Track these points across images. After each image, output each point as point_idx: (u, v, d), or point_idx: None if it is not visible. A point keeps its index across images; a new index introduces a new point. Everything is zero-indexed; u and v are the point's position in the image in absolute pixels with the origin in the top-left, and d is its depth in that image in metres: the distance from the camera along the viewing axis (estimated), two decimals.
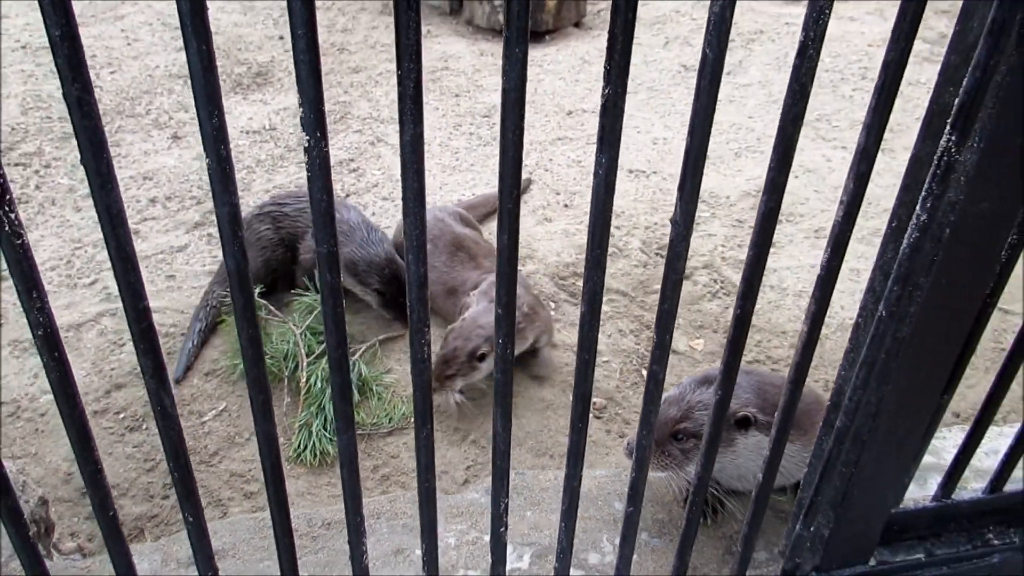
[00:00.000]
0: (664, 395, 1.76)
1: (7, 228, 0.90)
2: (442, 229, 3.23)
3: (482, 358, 2.72)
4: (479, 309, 2.83)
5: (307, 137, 0.88)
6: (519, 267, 3.21)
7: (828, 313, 3.22)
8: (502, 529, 1.27)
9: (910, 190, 1.14)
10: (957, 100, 1.01)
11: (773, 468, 1.36)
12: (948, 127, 1.03)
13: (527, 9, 0.82)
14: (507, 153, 0.92)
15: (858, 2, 5.94)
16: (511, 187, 0.94)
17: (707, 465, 1.33)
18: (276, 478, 1.12)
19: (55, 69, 0.83)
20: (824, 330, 3.19)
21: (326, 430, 2.67)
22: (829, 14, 0.88)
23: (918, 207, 1.07)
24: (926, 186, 1.05)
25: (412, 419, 2.81)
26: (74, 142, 3.28)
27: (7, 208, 0.89)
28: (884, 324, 1.16)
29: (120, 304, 3.06)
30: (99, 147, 0.86)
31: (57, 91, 4.86)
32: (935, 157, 1.06)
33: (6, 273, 3.44)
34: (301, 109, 0.86)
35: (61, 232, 3.75)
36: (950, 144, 1.04)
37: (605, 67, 0.87)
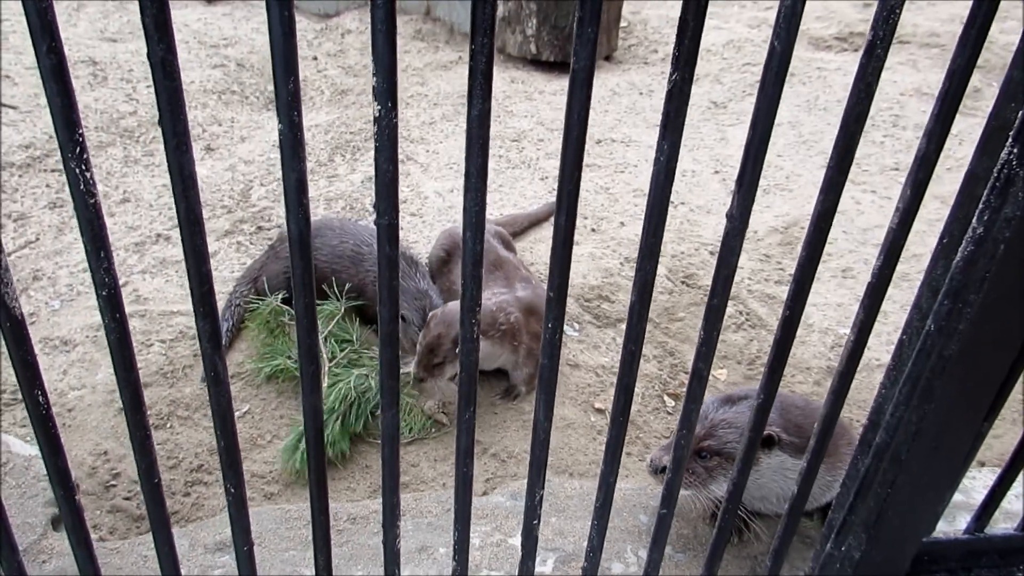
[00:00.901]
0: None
1: (82, 187, 0.92)
2: (490, 247, 3.25)
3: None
4: (455, 304, 2.87)
5: (378, 107, 0.91)
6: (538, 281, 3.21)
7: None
8: (535, 522, 1.26)
9: (964, 206, 1.15)
10: (1022, 112, 1.01)
11: (810, 480, 1.35)
12: (1010, 139, 1.03)
13: (593, 53, 0.84)
14: (571, 133, 0.93)
15: (890, 53, 5.98)
16: (572, 168, 0.96)
17: (740, 481, 1.32)
18: (318, 452, 1.12)
19: (142, 29, 0.86)
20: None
21: (344, 429, 2.67)
22: (900, 13, 0.90)
23: (974, 220, 1.07)
24: (983, 199, 1.05)
25: (431, 430, 2.81)
26: (109, 151, 3.35)
27: (83, 167, 0.92)
28: (932, 339, 1.16)
29: (148, 307, 3.09)
30: (178, 108, 0.88)
31: (94, 101, 4.98)
32: (995, 171, 1.07)
33: (39, 273, 3.48)
34: (375, 78, 0.89)
35: None
36: (1011, 157, 1.04)
37: (674, 53, 0.89)
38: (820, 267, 3.75)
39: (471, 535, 1.70)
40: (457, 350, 2.66)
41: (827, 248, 3.78)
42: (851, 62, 5.88)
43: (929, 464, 1.39)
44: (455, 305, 2.81)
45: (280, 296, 3.20)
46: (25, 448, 1.96)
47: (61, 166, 3.62)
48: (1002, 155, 1.03)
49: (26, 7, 0.83)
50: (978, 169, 1.14)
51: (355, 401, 2.74)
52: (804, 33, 6.35)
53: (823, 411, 1.26)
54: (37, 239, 3.73)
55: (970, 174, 1.16)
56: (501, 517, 1.71)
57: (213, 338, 1.01)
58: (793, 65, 5.61)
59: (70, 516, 1.11)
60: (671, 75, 0.92)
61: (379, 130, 0.92)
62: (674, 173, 0.98)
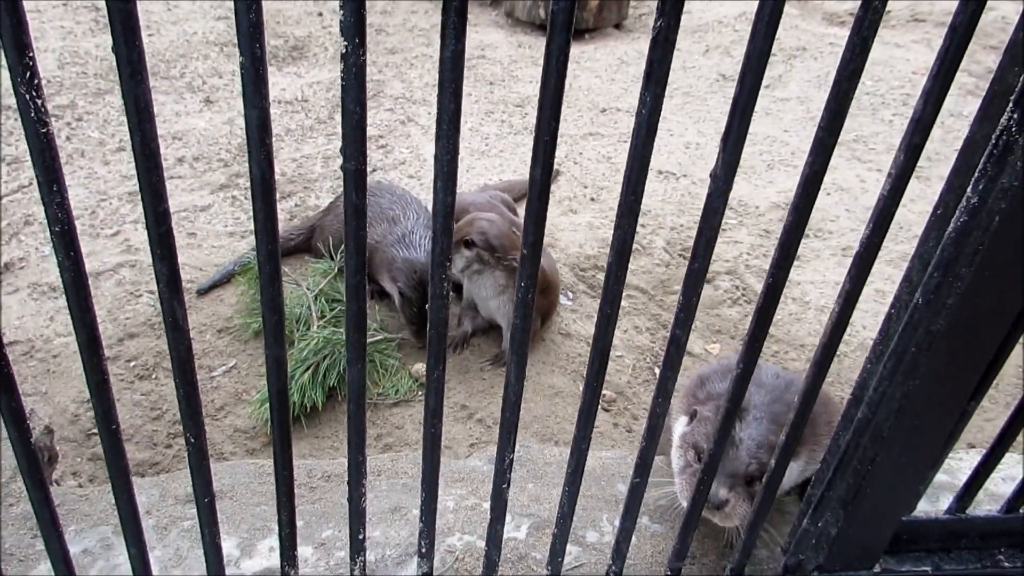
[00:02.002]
0: (709, 423, 1.64)
1: (33, 114, 0.88)
2: (500, 212, 3.22)
3: (468, 245, 2.77)
4: (489, 214, 2.89)
5: (345, 43, 0.86)
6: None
7: (848, 332, 3.18)
8: (504, 486, 1.24)
9: (960, 174, 1.10)
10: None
11: (787, 454, 1.32)
12: (1011, 104, 0.98)
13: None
14: (549, 79, 0.89)
15: (905, 31, 5.87)
16: (549, 118, 0.91)
17: (717, 452, 1.29)
18: (281, 404, 1.09)
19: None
20: (843, 347, 3.13)
21: (314, 382, 2.65)
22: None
23: (969, 189, 1.02)
24: (980, 167, 1.01)
25: (419, 392, 2.79)
26: (107, 98, 3.30)
27: (34, 93, 0.87)
28: (919, 313, 1.12)
29: (139, 257, 3.06)
30: (132, 33, 0.84)
31: (95, 48, 4.91)
32: (993, 137, 1.02)
33: (31, 218, 3.45)
34: (342, 11, 0.84)
35: (88, 183, 3.76)
36: (1011, 123, 0.99)
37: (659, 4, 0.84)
38: (820, 245, 3.69)
39: (446, 498, 1.68)
40: (458, 247, 2.73)
41: (829, 226, 3.75)
42: None
43: (911, 442, 1.36)
44: (485, 214, 2.85)
45: None
46: None
47: (59, 111, 3.57)
48: (1002, 120, 0.98)
49: None
50: (977, 136, 1.09)
51: (330, 354, 2.71)
52: (818, 8, 6.23)
53: (804, 384, 1.22)
54: (30, 183, 3.69)
55: (968, 141, 1.11)
56: (477, 481, 1.68)
57: (171, 282, 0.98)
58: (805, 40, 5.50)
59: (24, 459, 1.09)
60: (656, 21, 0.87)
61: (346, 68, 0.87)
62: (656, 128, 0.93)
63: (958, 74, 5.22)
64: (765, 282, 1.08)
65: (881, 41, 5.73)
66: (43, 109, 0.88)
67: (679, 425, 1.72)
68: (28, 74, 0.86)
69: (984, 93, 1.04)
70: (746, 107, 0.93)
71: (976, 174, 1.04)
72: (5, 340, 2.92)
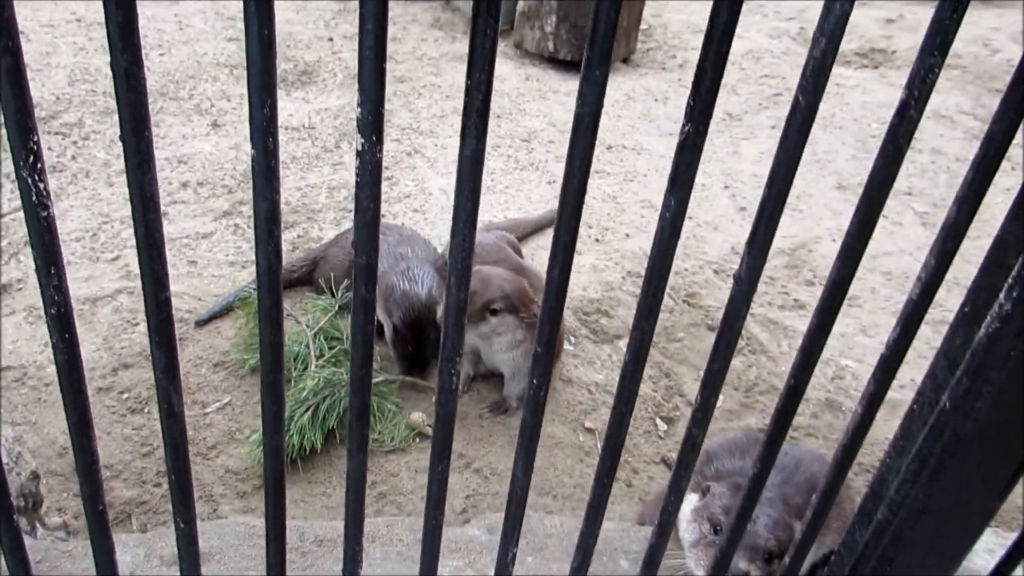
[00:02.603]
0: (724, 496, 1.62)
1: (34, 198, 0.84)
2: (507, 254, 3.16)
3: (494, 312, 2.66)
4: (496, 269, 2.79)
5: (362, 140, 0.83)
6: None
7: (855, 386, 3.14)
8: None
9: (989, 274, 1.06)
10: None
11: (803, 551, 1.27)
12: None
13: (612, 30, 0.76)
14: (571, 180, 0.85)
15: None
16: (569, 219, 0.88)
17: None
18: (277, 494, 1.05)
19: (106, 36, 0.78)
20: (850, 403, 3.09)
21: (313, 423, 2.60)
22: (938, 73, 0.81)
23: (1002, 295, 0.98)
24: (1014, 274, 0.97)
25: (415, 439, 2.74)
26: (115, 118, 3.25)
27: (36, 177, 0.84)
28: (946, 417, 1.08)
29: (139, 283, 3.03)
30: (141, 123, 0.81)
31: (105, 66, 4.89)
32: None
33: (27, 240, 3.42)
34: (359, 109, 0.81)
35: (91, 205, 3.73)
36: None
37: (689, 102, 0.81)
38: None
39: (442, 568, 1.63)
40: (483, 313, 2.64)
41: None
42: (870, 79, 5.77)
43: (933, 544, 1.31)
44: (492, 271, 2.75)
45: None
46: None
47: (66, 129, 3.54)
48: None
49: None
50: (1008, 236, 1.05)
51: (330, 395, 2.66)
52: None
53: (824, 482, 1.18)
54: None
55: (999, 240, 1.07)
56: (475, 552, 1.63)
57: (168, 369, 0.94)
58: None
59: (9, 539, 1.04)
60: (683, 126, 0.83)
61: (361, 165, 0.83)
62: (680, 231, 0.90)
63: (963, 118, 5.21)
64: (787, 383, 1.04)
65: (887, 82, 5.74)
66: (45, 193, 0.85)
67: (689, 501, 1.68)
68: (32, 159, 0.82)
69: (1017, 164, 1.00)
70: (773, 211, 0.89)
71: (1010, 280, 1.01)
72: None
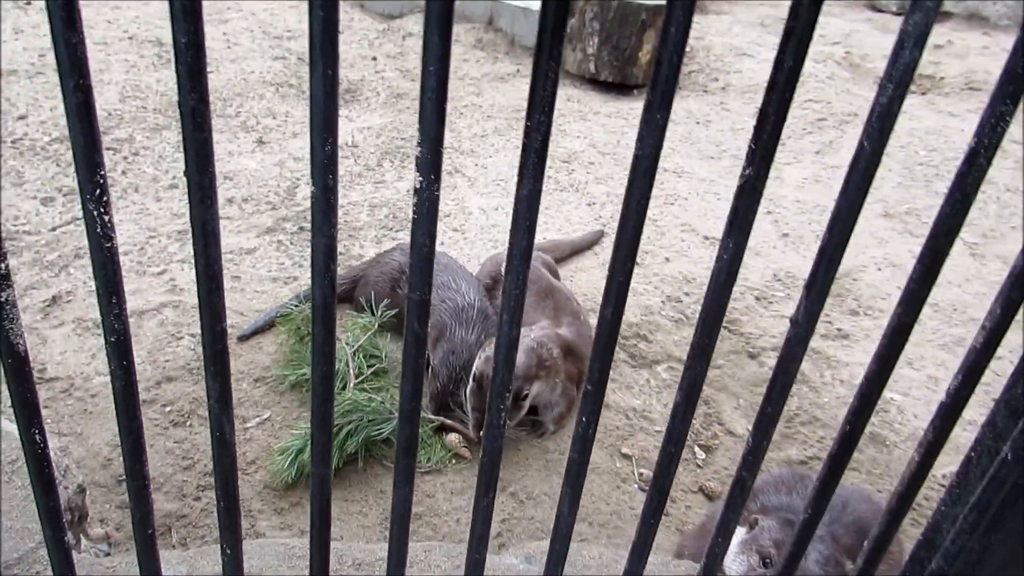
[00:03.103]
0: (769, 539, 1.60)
1: (99, 230, 0.86)
2: (540, 275, 3.16)
3: (525, 397, 2.64)
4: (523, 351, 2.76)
5: (420, 178, 0.83)
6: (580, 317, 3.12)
7: (899, 421, 3.07)
8: None
9: None
10: None
11: None
12: None
13: (676, 74, 0.76)
14: (628, 222, 0.85)
15: (959, 99, 5.78)
16: (625, 260, 0.87)
17: None
18: (323, 524, 1.05)
19: (175, 77, 0.80)
20: (893, 437, 3.02)
21: (347, 444, 2.62)
22: (1009, 122, 0.79)
23: None
24: None
25: (451, 460, 2.73)
26: (164, 134, 3.34)
27: (102, 209, 0.86)
28: (1007, 468, 1.04)
29: (184, 298, 3.06)
30: (205, 161, 0.82)
31: (156, 83, 5.02)
32: None
33: (81, 251, 3.49)
34: (419, 148, 0.81)
35: (139, 219, 3.81)
36: None
37: (750, 146, 0.80)
38: (870, 324, 3.57)
39: None
40: (518, 404, 2.62)
41: (879, 304, 3.65)
42: (917, 106, 5.68)
43: None
44: (529, 345, 2.72)
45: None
46: None
47: (117, 144, 3.63)
48: None
49: (55, 39, 0.77)
50: None
51: (359, 418, 2.67)
52: (871, 72, 6.16)
53: (876, 530, 1.15)
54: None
55: None
56: None
57: (222, 398, 0.95)
58: (857, 105, 5.44)
59: (58, 560, 1.06)
60: (744, 169, 0.83)
61: (419, 202, 0.84)
62: (736, 275, 0.89)
63: (1014, 147, 5.09)
64: (842, 428, 1.02)
65: (935, 109, 5.64)
66: (109, 224, 0.87)
67: (735, 533, 1.65)
68: (98, 191, 0.84)
69: None
70: (833, 256, 0.88)
71: None
72: (48, 376, 2.95)
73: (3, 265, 0.86)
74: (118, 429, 0.97)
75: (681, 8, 0.69)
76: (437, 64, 0.77)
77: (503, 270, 2.73)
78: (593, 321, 3.45)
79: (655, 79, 0.75)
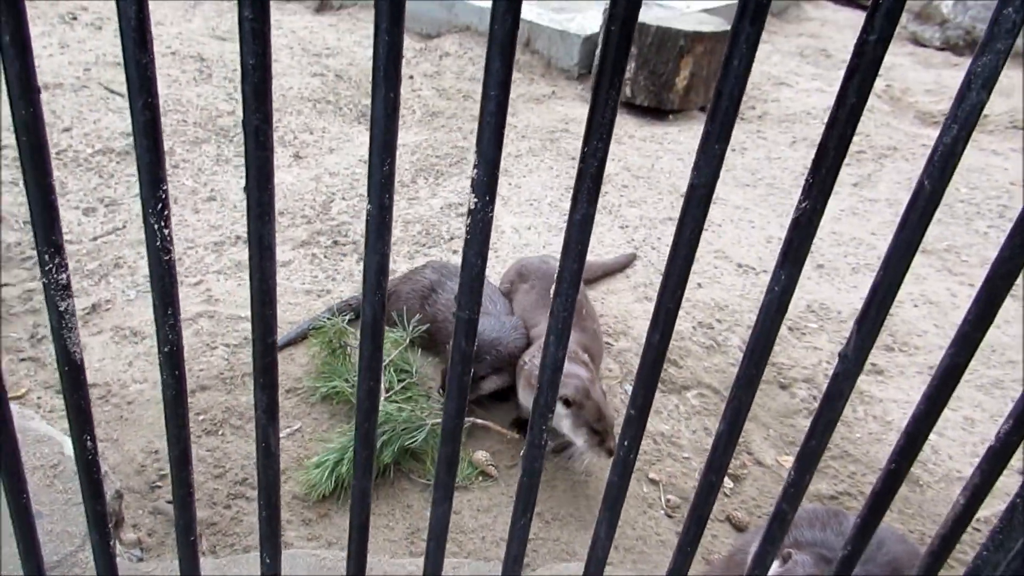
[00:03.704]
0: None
1: (158, 243, 0.88)
2: (551, 283, 3.20)
3: (568, 404, 2.63)
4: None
5: (475, 199, 0.84)
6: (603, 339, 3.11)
7: (933, 461, 3.02)
8: None
9: None
10: None
11: None
12: None
13: (736, 106, 0.76)
14: (679, 250, 0.85)
15: (1004, 137, 5.71)
16: (675, 288, 0.87)
17: None
18: (361, 537, 1.05)
19: (240, 96, 0.82)
20: (927, 477, 2.97)
21: (383, 455, 2.62)
22: None
23: None
24: None
25: (478, 478, 2.73)
26: (204, 147, 3.39)
27: (163, 223, 0.88)
28: None
29: (219, 308, 3.09)
30: (266, 178, 0.84)
31: (196, 98, 5.12)
32: None
33: (121, 261, 3.55)
34: (476, 171, 0.82)
35: (178, 231, 3.87)
36: None
37: (807, 180, 0.80)
38: (905, 360, 3.52)
39: None
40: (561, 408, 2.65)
41: (915, 340, 3.60)
42: None
43: None
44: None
45: (347, 318, 3.20)
46: None
47: None
48: None
49: (126, 59, 0.79)
50: None
51: (391, 430, 2.68)
52: (911, 106, 6.12)
53: (918, 572, 1.13)
54: (124, 227, 3.82)
55: None
56: None
57: (269, 409, 0.96)
58: (897, 139, 5.40)
59: (104, 564, 1.07)
60: (800, 202, 0.83)
61: (472, 223, 0.85)
62: (787, 307, 0.88)
63: None
64: (887, 467, 1.01)
65: (977, 147, 5.58)
66: (169, 238, 0.89)
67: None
68: (160, 206, 0.86)
69: None
70: (886, 296, 0.87)
71: None
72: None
73: (64, 276, 0.89)
74: (167, 437, 0.99)
75: (745, 41, 0.70)
76: (498, 89, 0.78)
77: (524, 272, 2.71)
78: (622, 343, 3.44)
79: (714, 110, 0.76)
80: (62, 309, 0.90)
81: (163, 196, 0.86)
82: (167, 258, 0.89)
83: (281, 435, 2.85)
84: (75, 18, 5.90)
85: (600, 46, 0.72)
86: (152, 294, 0.91)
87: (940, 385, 0.90)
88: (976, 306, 0.86)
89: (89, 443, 0.99)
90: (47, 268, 0.85)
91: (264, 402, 0.96)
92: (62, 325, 0.90)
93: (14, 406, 2.30)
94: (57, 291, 0.87)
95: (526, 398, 2.88)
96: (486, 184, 0.83)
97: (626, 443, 1.00)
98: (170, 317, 0.92)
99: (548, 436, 1.00)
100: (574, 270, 0.88)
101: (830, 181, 0.79)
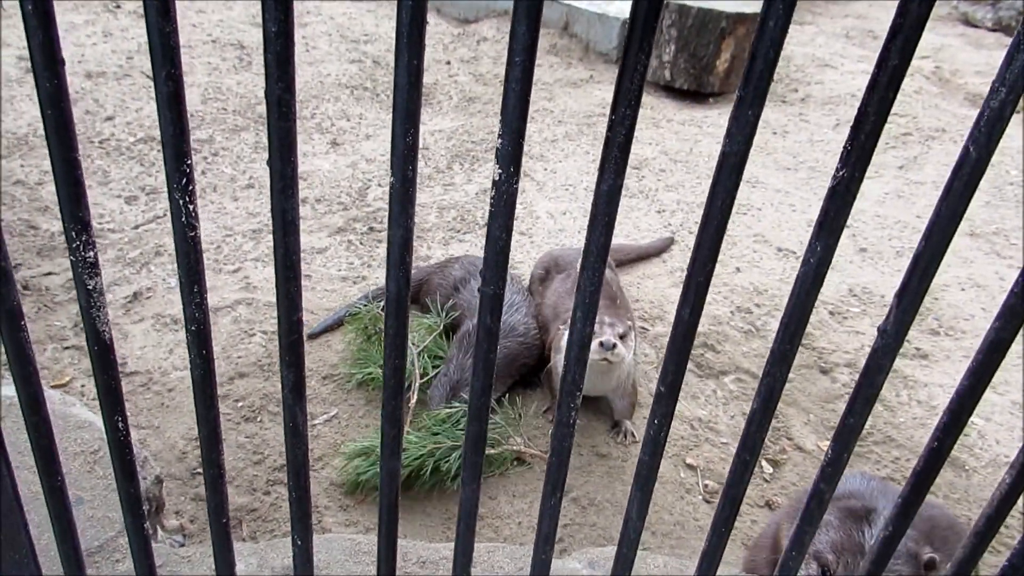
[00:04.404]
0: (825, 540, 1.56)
1: (183, 219, 0.88)
2: (608, 279, 3.19)
3: (623, 337, 2.70)
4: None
5: (499, 170, 0.82)
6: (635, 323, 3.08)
7: (980, 446, 2.93)
8: None
9: None
10: None
11: None
12: None
13: (771, 70, 0.73)
14: (711, 221, 0.82)
15: None
16: (705, 260, 0.85)
17: None
18: (391, 518, 1.05)
19: (263, 64, 0.81)
20: (973, 462, 2.89)
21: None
22: None
23: None
24: None
25: (513, 463, 2.72)
26: (243, 135, 3.41)
27: (188, 198, 0.88)
28: None
29: (257, 296, 3.12)
30: (288, 149, 0.83)
31: (236, 86, 5.17)
32: None
33: (161, 249, 3.61)
34: (500, 140, 0.81)
35: (216, 218, 3.92)
36: None
37: (845, 147, 0.77)
38: (951, 344, 3.42)
39: None
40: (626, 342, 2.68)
41: (962, 324, 3.50)
42: (1012, 123, 5.42)
43: None
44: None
45: (382, 304, 3.21)
46: None
47: (198, 145, 3.73)
48: None
49: (149, 27, 0.79)
50: None
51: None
52: (961, 88, 5.93)
53: (961, 553, 1.09)
54: (165, 215, 3.88)
55: None
56: None
57: (296, 388, 0.96)
58: (945, 121, 5.24)
59: (138, 545, 1.08)
60: (838, 170, 0.79)
61: (496, 195, 0.83)
62: (823, 280, 0.85)
63: None
64: (929, 444, 0.97)
65: None
66: (194, 214, 0.89)
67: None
68: (184, 180, 0.86)
69: None
70: (929, 265, 0.83)
71: None
72: (128, 370, 3.06)
73: (92, 253, 0.89)
74: (196, 418, 0.99)
75: (781, 2, 0.66)
76: (523, 55, 0.76)
77: (561, 263, 2.69)
78: (658, 328, 3.40)
79: (748, 74, 0.73)
80: (91, 287, 0.90)
81: (187, 171, 0.85)
82: (192, 234, 0.89)
83: (318, 421, 2.87)
84: (118, 6, 6.00)
85: (631, 8, 0.70)
86: (178, 271, 0.91)
87: (985, 360, 0.86)
88: None
89: (120, 424, 1.00)
90: (74, 245, 0.86)
91: (291, 380, 0.95)
92: (91, 304, 0.91)
93: (56, 393, 2.35)
94: (85, 269, 0.88)
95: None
96: (511, 154, 0.82)
97: (656, 421, 0.97)
98: (196, 295, 0.92)
99: (575, 415, 0.99)
100: (601, 243, 0.85)
101: (869, 147, 0.76)
